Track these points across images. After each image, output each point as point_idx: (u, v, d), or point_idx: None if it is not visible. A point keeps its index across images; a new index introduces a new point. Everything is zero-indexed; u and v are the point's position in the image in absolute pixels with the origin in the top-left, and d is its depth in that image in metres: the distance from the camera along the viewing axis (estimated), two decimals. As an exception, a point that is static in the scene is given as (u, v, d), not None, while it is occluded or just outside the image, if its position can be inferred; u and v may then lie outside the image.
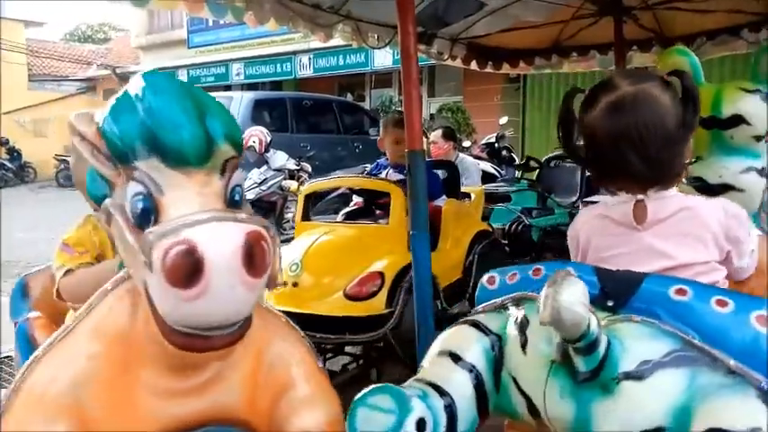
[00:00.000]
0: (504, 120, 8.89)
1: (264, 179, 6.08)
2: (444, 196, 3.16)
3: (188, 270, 0.72)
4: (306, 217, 3.08)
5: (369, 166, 7.55)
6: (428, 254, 2.18)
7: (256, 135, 6.26)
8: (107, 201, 0.85)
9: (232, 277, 0.74)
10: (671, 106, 1.08)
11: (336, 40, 3.42)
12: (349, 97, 14.09)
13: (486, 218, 3.77)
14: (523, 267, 1.12)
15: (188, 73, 15.38)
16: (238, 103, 7.94)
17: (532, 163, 5.43)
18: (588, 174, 4.73)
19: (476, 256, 3.15)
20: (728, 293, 0.95)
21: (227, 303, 0.76)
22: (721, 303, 0.91)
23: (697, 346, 0.87)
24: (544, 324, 0.83)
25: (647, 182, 1.08)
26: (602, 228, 1.15)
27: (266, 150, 6.21)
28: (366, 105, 13.58)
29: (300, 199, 3.11)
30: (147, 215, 0.78)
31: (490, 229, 3.49)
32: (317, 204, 6.99)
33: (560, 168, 5.18)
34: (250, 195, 5.99)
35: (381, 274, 2.54)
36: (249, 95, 8.40)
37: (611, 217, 1.13)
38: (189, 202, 0.79)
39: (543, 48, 4.41)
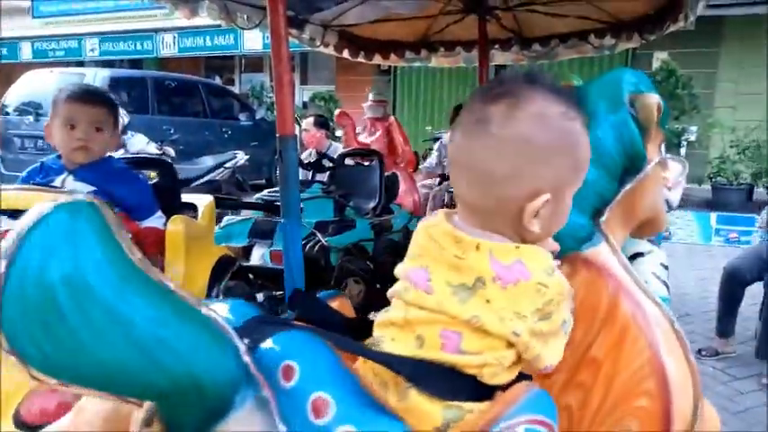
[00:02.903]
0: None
1: (122, 164, 5.66)
2: (160, 212, 2.05)
3: None
4: None
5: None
6: (300, 248, 2.14)
7: (113, 116, 5.80)
8: None
9: None
10: None
11: (204, 20, 3.24)
12: (217, 80, 13.53)
13: (266, 234, 2.91)
14: None
15: (32, 46, 13.89)
16: (92, 80, 7.30)
17: (326, 162, 4.20)
18: (388, 174, 3.97)
19: (221, 296, 2.26)
20: None
21: None
22: None
23: None
24: None
25: None
26: None
27: (123, 133, 5.77)
28: (236, 89, 13.13)
29: None
30: None
31: (232, 254, 2.55)
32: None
33: (357, 168, 4.19)
34: (105, 181, 5.56)
35: None
36: (104, 72, 7.75)
37: None
38: None
39: (413, 41, 4.51)
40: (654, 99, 0.93)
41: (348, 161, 4.34)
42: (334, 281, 3.05)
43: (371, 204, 3.80)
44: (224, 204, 3.23)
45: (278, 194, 2.96)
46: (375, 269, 3.52)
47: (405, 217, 4.11)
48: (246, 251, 2.96)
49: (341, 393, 0.75)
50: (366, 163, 4.21)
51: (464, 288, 0.82)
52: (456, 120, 0.87)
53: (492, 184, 0.82)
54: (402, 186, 4.40)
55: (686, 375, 0.95)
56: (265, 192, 3.47)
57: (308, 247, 2.85)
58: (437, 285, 0.84)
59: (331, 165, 4.14)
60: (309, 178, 4.12)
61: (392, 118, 4.96)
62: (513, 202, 0.83)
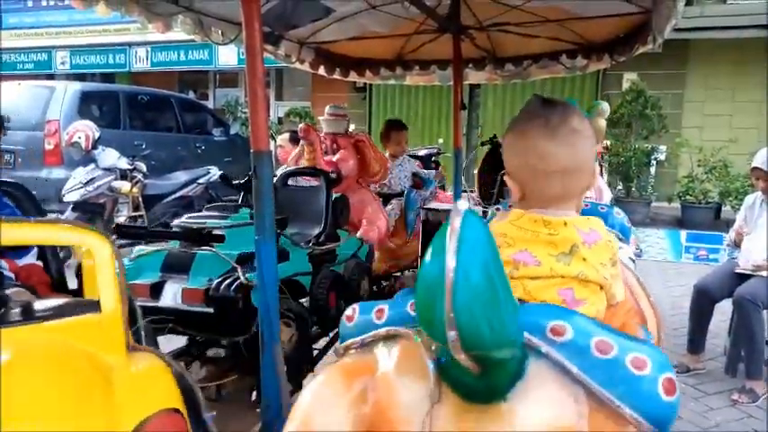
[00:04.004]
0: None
1: (91, 179, 5.55)
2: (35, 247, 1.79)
3: None
4: None
5: (213, 169, 7.08)
6: (275, 265, 2.06)
7: (82, 130, 5.69)
8: None
9: None
10: None
11: (178, 35, 3.22)
12: (191, 95, 13.43)
13: (181, 268, 2.44)
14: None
15: (0, 58, 13.63)
16: (62, 94, 7.16)
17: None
18: (337, 196, 3.49)
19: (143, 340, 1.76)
20: None
21: None
22: None
23: None
24: None
25: None
26: None
27: (94, 147, 5.67)
28: (210, 104, 13.05)
29: None
30: None
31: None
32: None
33: (300, 190, 3.58)
34: (74, 196, 5.44)
35: (178, 413, 1.42)
36: (75, 86, 7.60)
37: None
38: None
39: (388, 59, 4.54)
40: (603, 123, 1.36)
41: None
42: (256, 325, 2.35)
43: (316, 231, 3.17)
44: (127, 234, 2.69)
45: (198, 220, 2.72)
46: (312, 308, 2.85)
47: (353, 244, 3.48)
48: (157, 288, 2.37)
49: (611, 333, 0.94)
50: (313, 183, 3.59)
51: (564, 255, 1.09)
52: (526, 145, 1.11)
53: (582, 173, 1.13)
54: (374, 206, 4.07)
55: (651, 311, 1.36)
56: (185, 217, 2.87)
57: (222, 286, 2.30)
58: (542, 258, 1.08)
59: None
60: (240, 201, 3.51)
61: (363, 135, 4.36)
62: (589, 181, 1.16)
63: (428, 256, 0.81)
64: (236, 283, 2.32)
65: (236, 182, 3.57)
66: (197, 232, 2.53)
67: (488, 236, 0.82)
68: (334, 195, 3.45)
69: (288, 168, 3.90)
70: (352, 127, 5.42)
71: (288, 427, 1.00)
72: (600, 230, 1.13)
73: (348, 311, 1.13)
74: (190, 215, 2.93)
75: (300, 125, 3.95)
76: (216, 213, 2.87)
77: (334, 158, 3.94)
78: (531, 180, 1.12)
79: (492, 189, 4.77)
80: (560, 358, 0.90)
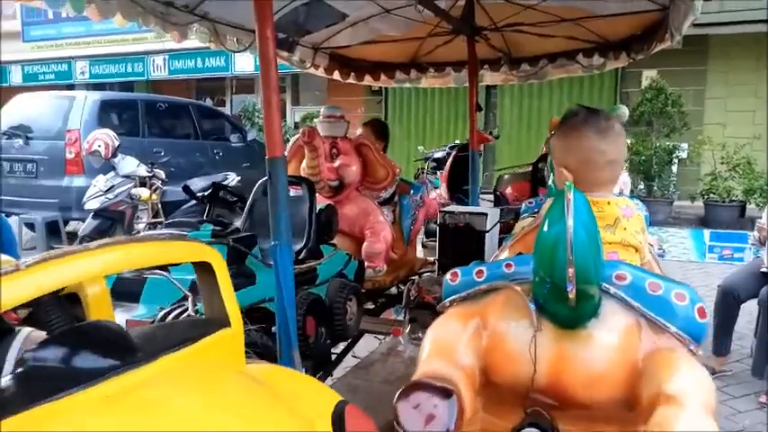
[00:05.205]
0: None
1: (111, 186, 5.61)
2: None
3: None
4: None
5: (231, 175, 7.10)
6: (291, 269, 2.08)
7: (102, 139, 5.77)
8: None
9: None
10: None
11: (194, 42, 3.24)
12: (208, 102, 13.54)
13: (131, 296, 2.23)
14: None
15: (23, 69, 13.91)
16: (82, 103, 7.25)
17: (224, 194, 3.25)
18: (322, 207, 3.14)
19: None
20: None
21: None
22: None
23: None
24: None
25: None
26: None
27: (113, 155, 5.74)
28: (227, 111, 13.15)
29: None
30: None
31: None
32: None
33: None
34: (94, 204, 5.50)
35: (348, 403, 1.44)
36: (95, 96, 7.70)
37: None
38: None
39: (403, 62, 4.54)
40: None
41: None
42: None
43: (297, 247, 2.78)
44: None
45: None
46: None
47: (339, 261, 3.04)
48: None
49: (657, 277, 1.30)
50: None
51: (609, 226, 1.45)
52: (583, 144, 1.45)
53: (621, 163, 1.50)
54: (377, 214, 3.67)
55: (658, 269, 1.65)
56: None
57: (167, 319, 2.03)
58: None
59: (234, 198, 3.19)
60: (206, 214, 3.19)
61: (365, 138, 3.86)
62: (621, 171, 1.52)
63: (548, 220, 1.17)
64: (182, 316, 2.01)
65: (201, 194, 3.23)
66: None
67: (589, 205, 1.19)
68: (320, 206, 3.10)
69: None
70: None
71: (423, 355, 1.32)
72: (632, 207, 1.51)
73: (449, 275, 1.46)
74: (144, 233, 2.59)
75: (302, 128, 3.51)
76: (174, 231, 2.51)
77: (335, 164, 3.53)
78: (586, 170, 1.44)
79: (465, 187, 4.79)
80: (625, 296, 1.27)
